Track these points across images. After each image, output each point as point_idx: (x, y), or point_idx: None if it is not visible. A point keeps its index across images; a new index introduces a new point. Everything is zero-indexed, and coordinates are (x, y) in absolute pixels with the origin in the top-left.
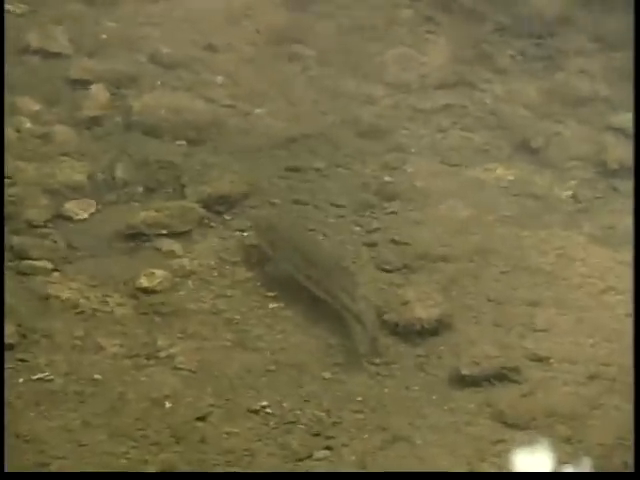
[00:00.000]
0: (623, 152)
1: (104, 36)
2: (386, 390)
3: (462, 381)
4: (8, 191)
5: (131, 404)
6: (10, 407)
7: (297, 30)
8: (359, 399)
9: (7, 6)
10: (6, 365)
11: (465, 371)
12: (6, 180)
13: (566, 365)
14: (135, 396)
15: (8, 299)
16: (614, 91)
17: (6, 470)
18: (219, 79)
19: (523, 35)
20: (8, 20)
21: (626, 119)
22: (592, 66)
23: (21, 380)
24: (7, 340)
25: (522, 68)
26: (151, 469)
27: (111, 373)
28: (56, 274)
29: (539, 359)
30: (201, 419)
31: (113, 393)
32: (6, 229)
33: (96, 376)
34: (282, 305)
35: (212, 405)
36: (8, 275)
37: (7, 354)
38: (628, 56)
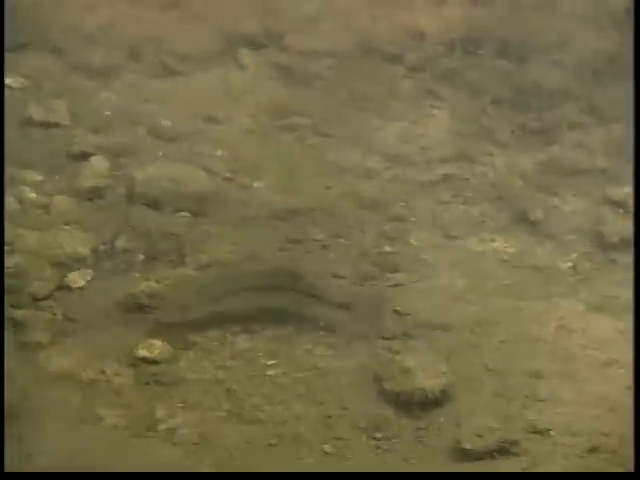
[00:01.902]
0: (621, 225)
1: (105, 109)
2: (387, 465)
3: (463, 455)
4: (10, 262)
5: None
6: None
7: (297, 103)
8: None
9: (8, 80)
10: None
11: (466, 445)
12: (8, 250)
13: (567, 437)
14: (134, 469)
15: (7, 371)
16: (611, 163)
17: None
18: (219, 151)
19: (522, 108)
20: (10, 94)
21: (624, 192)
22: (589, 138)
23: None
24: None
25: (521, 141)
26: None
27: (110, 445)
28: (56, 346)
29: (540, 431)
30: None
31: (112, 466)
32: (8, 302)
33: (95, 448)
34: (280, 372)
35: None
36: (8, 347)
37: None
38: (624, 128)
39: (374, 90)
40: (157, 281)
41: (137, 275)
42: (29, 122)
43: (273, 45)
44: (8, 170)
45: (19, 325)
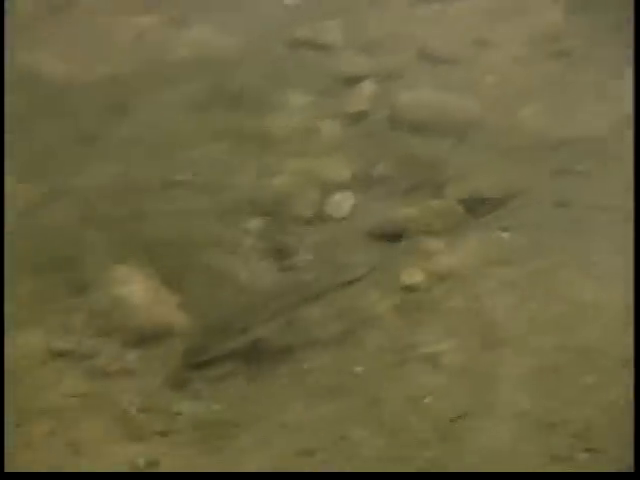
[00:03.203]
0: None
1: (375, 32)
2: None
3: None
4: (275, 186)
5: (391, 400)
6: (274, 397)
7: (570, 30)
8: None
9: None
10: (271, 355)
11: None
12: (274, 174)
13: None
14: (395, 392)
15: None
16: None
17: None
18: (488, 77)
19: None
20: (282, 13)
21: None
22: None
23: (285, 369)
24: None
25: None
26: (413, 467)
27: (372, 367)
28: None
29: None
30: (461, 418)
31: (374, 388)
32: (272, 226)
33: (357, 370)
34: (543, 306)
35: (472, 405)
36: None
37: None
38: None
39: None
40: (418, 209)
41: (398, 202)
42: (299, 43)
43: None
44: (276, 92)
45: (283, 249)
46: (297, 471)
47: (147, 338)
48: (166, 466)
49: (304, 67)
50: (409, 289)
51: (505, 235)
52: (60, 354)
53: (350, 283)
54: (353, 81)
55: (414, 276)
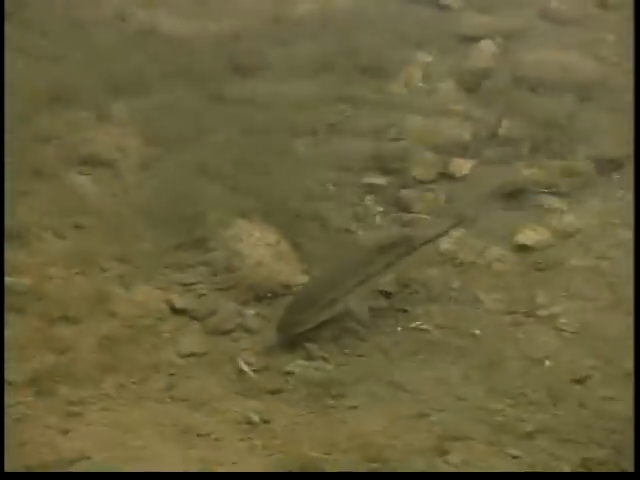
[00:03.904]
0: None
1: None
2: None
3: None
4: (397, 146)
5: (509, 361)
6: (387, 355)
7: None
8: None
9: None
10: (385, 314)
11: None
12: (396, 132)
13: None
14: (513, 353)
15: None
16: None
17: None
18: (609, 37)
19: None
20: None
21: None
22: None
23: (399, 329)
24: (386, 288)
25: None
26: (528, 428)
27: (490, 328)
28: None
29: None
30: (580, 381)
31: (492, 349)
32: (395, 183)
33: (474, 330)
34: None
35: (592, 367)
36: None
37: (386, 303)
38: None
39: None
40: (540, 168)
41: (520, 162)
42: (418, 2)
43: None
44: (397, 50)
45: (404, 206)
46: (408, 430)
47: (265, 296)
48: (278, 423)
49: (424, 26)
50: (530, 248)
51: (629, 195)
52: (178, 311)
53: (438, 236)
54: (474, 40)
55: (535, 235)
